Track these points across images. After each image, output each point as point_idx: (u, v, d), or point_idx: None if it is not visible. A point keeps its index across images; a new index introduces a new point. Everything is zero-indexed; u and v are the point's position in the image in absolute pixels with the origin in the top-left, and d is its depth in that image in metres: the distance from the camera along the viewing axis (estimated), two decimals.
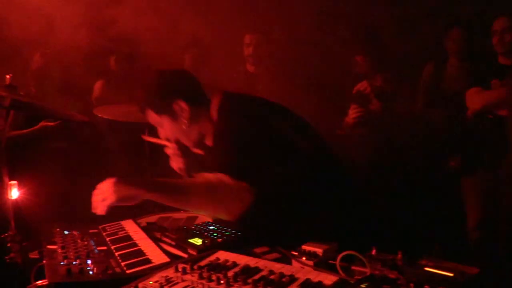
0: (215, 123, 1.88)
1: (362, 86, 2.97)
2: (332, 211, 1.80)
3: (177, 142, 2.00)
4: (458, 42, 3.39)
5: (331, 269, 1.33)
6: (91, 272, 1.40)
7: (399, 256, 1.36)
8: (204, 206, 1.74)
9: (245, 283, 1.21)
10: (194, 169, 2.02)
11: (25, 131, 3.12)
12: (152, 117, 1.96)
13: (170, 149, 2.04)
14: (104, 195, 1.63)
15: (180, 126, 1.92)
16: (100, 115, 3.15)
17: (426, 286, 1.18)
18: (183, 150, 2.02)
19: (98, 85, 3.62)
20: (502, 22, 2.94)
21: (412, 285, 1.19)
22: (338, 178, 1.91)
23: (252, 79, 3.56)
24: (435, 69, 3.51)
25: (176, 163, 2.06)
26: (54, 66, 3.42)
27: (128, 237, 1.76)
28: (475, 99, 2.99)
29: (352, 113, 2.97)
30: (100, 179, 3.50)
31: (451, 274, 1.24)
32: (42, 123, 3.15)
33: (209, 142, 1.94)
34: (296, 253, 1.48)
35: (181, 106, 1.89)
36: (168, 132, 1.98)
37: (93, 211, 1.66)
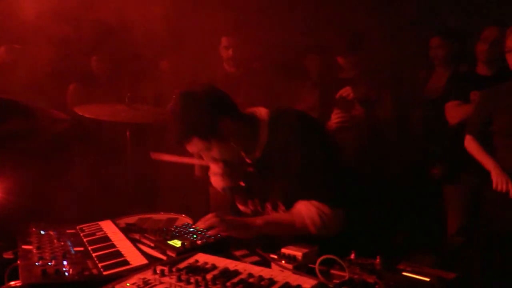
0: (275, 143, 1.78)
1: (345, 91, 2.99)
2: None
3: (224, 161, 1.85)
4: (438, 51, 3.46)
5: (311, 273, 1.34)
6: (67, 273, 1.37)
7: (378, 260, 1.37)
8: (310, 232, 1.71)
9: (224, 286, 1.20)
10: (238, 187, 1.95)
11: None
12: (197, 144, 1.77)
13: (216, 169, 1.88)
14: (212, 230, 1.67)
15: (229, 145, 1.78)
16: (81, 114, 3.11)
17: None
18: (229, 169, 1.88)
19: (71, 89, 3.54)
20: (494, 32, 2.93)
21: None
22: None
23: (232, 81, 3.54)
24: (425, 77, 3.58)
25: (221, 183, 1.90)
26: (22, 63, 3.29)
27: (106, 238, 1.73)
28: (452, 114, 3.04)
29: (335, 118, 2.98)
30: (77, 180, 3.43)
31: (427, 279, 1.25)
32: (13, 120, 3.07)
33: (254, 156, 1.85)
34: (275, 257, 1.48)
35: (227, 125, 1.75)
36: (217, 155, 1.81)
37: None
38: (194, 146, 1.77)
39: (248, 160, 1.87)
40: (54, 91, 3.86)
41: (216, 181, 1.90)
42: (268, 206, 1.88)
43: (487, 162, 2.57)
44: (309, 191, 1.72)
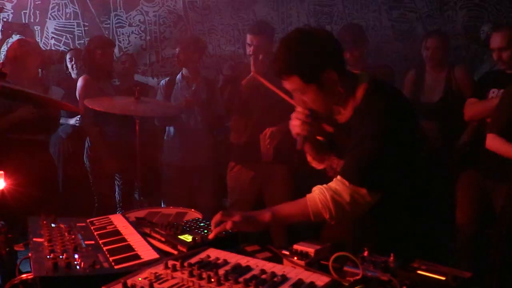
0: (361, 110, 1.71)
1: None
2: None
3: (311, 110, 1.78)
4: (432, 50, 3.44)
5: (323, 270, 1.32)
6: (78, 267, 1.37)
7: (392, 258, 1.35)
8: (325, 219, 1.65)
9: (236, 282, 1.19)
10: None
11: (9, 117, 3.04)
12: (295, 82, 1.70)
13: (300, 114, 1.79)
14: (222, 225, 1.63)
15: (324, 97, 1.71)
16: (91, 107, 3.11)
17: None
18: (313, 119, 1.80)
19: (82, 81, 3.53)
20: (498, 40, 2.83)
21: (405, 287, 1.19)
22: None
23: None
24: (416, 77, 3.52)
25: (298, 129, 1.81)
26: (34, 56, 3.28)
27: (116, 232, 1.72)
28: (468, 110, 3.00)
29: None
30: (86, 174, 3.44)
31: (443, 278, 1.23)
32: (24, 109, 3.06)
33: (342, 118, 1.80)
34: (287, 253, 1.47)
35: (331, 76, 1.68)
36: (309, 101, 1.74)
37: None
38: (291, 83, 1.71)
39: (339, 119, 1.81)
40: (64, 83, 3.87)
41: (295, 125, 1.81)
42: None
43: None
44: (344, 165, 1.67)
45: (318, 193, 1.64)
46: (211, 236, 1.63)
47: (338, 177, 1.65)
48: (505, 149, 2.50)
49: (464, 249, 3.00)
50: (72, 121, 3.70)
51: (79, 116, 3.61)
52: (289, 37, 1.73)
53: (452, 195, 3.10)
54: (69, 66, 3.98)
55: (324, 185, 1.66)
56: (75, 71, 3.93)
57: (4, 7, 4.21)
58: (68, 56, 4.00)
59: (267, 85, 2.14)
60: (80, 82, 3.51)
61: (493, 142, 2.56)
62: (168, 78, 3.76)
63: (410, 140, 1.75)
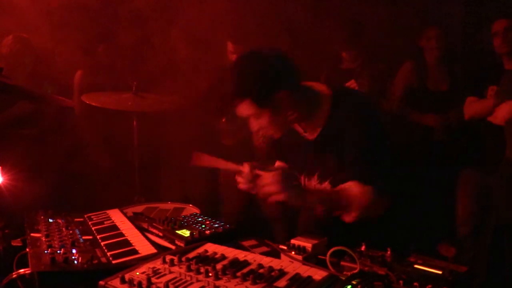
0: (333, 124, 1.72)
1: (351, 85, 2.96)
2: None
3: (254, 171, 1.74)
4: (433, 42, 3.40)
5: (320, 264, 1.33)
6: (76, 262, 1.37)
7: (389, 253, 1.36)
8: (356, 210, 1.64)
9: (234, 277, 1.19)
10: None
11: (6, 113, 3.03)
12: (249, 107, 1.68)
13: (244, 176, 1.73)
14: (271, 187, 1.53)
15: (279, 118, 1.70)
16: (88, 102, 3.09)
17: (415, 284, 1.19)
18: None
19: (77, 76, 3.53)
20: (504, 22, 2.87)
21: (401, 282, 1.19)
22: None
23: None
24: (415, 68, 3.50)
25: (244, 187, 1.75)
26: (28, 52, 3.27)
27: (114, 227, 1.73)
28: (468, 109, 3.02)
29: None
30: (83, 168, 3.42)
31: (440, 272, 1.24)
32: (21, 104, 3.05)
33: (311, 135, 1.79)
34: (284, 247, 1.47)
35: (284, 97, 1.65)
36: (264, 124, 1.72)
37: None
38: (245, 108, 1.68)
39: (307, 136, 1.80)
40: (61, 79, 3.85)
41: (240, 184, 1.78)
42: (326, 186, 1.81)
43: None
44: (363, 172, 1.65)
45: (355, 188, 1.62)
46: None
47: (356, 182, 1.63)
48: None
49: (464, 244, 3.02)
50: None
51: None
52: (239, 61, 1.71)
53: (453, 189, 3.11)
54: None
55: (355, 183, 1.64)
56: None
57: None
58: None
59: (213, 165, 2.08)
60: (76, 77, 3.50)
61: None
62: None
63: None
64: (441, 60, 3.45)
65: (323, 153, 1.76)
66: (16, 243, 1.71)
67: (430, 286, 1.17)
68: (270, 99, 1.64)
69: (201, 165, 1.86)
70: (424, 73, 3.46)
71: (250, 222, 3.21)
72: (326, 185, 1.80)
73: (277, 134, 1.79)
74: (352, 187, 1.63)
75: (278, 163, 1.98)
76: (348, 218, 1.65)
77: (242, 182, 1.72)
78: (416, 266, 1.28)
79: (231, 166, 1.79)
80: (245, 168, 1.72)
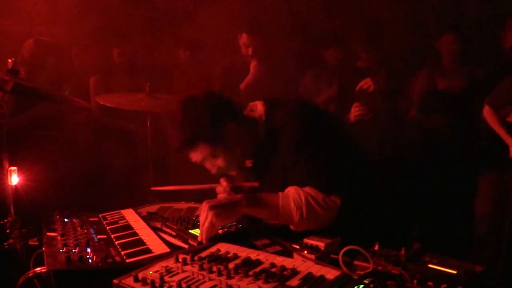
0: (274, 137, 1.75)
1: (366, 83, 2.92)
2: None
3: (228, 177, 1.85)
4: (451, 47, 3.38)
5: (333, 264, 1.32)
6: (90, 261, 1.39)
7: (402, 252, 1.34)
8: (294, 220, 1.65)
9: (246, 276, 1.19)
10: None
11: (26, 114, 3.07)
12: (204, 150, 1.73)
13: (223, 187, 1.85)
14: (205, 221, 1.57)
15: (234, 152, 1.76)
16: (102, 103, 3.13)
17: (429, 283, 1.17)
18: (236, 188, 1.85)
19: (92, 81, 3.57)
20: None
21: (415, 281, 1.18)
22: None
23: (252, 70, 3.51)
24: (431, 73, 3.47)
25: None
26: (49, 55, 3.32)
27: (128, 226, 1.74)
28: (488, 119, 2.94)
29: (354, 111, 2.92)
30: (98, 168, 3.46)
31: (454, 272, 1.22)
32: (40, 106, 3.09)
33: (252, 158, 1.83)
34: (297, 247, 1.47)
35: (232, 127, 1.72)
36: (222, 162, 1.77)
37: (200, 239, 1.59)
38: (199, 152, 1.73)
39: (248, 164, 1.85)
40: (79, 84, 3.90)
41: (220, 195, 1.86)
42: None
43: (506, 137, 2.68)
44: (304, 178, 1.67)
45: (293, 193, 1.65)
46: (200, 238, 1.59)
47: (307, 188, 1.65)
48: (493, 125, 2.80)
49: (482, 243, 2.97)
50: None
51: None
52: (177, 113, 1.74)
53: (469, 190, 3.06)
54: None
55: (299, 188, 1.66)
56: None
57: None
58: None
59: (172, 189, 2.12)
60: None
61: (488, 115, 2.82)
62: None
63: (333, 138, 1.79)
64: (458, 62, 3.41)
65: (262, 176, 1.82)
66: (33, 242, 1.74)
67: (444, 285, 1.15)
68: (220, 133, 1.70)
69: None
70: (438, 75, 3.43)
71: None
72: None
73: (233, 172, 1.86)
74: (290, 190, 1.66)
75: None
76: (293, 227, 1.67)
77: (221, 193, 1.83)
78: (430, 265, 1.26)
79: (201, 186, 1.94)
80: (223, 182, 1.83)
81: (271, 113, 1.80)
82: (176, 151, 1.78)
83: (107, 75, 3.58)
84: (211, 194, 1.91)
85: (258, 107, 1.85)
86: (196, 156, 1.75)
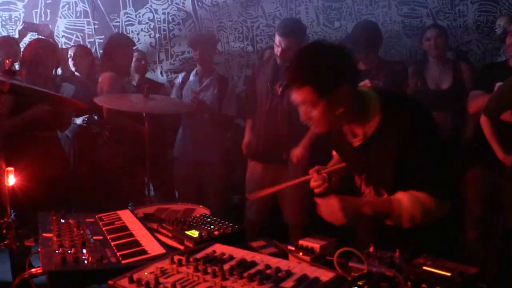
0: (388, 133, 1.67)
1: (365, 85, 2.93)
2: None
3: (323, 173, 1.85)
4: (433, 41, 3.47)
5: (328, 265, 1.32)
6: (86, 261, 1.39)
7: (397, 254, 1.35)
8: (403, 225, 1.65)
9: (241, 277, 1.20)
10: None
11: (23, 115, 3.06)
12: (307, 95, 1.63)
13: (317, 181, 1.86)
14: (331, 213, 1.61)
15: (332, 113, 1.65)
16: (101, 105, 3.12)
17: (423, 285, 1.17)
18: (329, 179, 1.86)
19: (106, 77, 3.50)
20: None
21: (409, 283, 1.18)
22: None
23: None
24: (419, 69, 3.53)
25: (320, 191, 1.86)
26: (51, 56, 3.31)
27: (124, 227, 1.74)
28: (473, 103, 3.02)
29: None
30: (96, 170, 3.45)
31: (448, 274, 1.22)
32: (38, 106, 3.07)
33: (357, 141, 1.76)
34: (292, 248, 1.47)
35: (345, 92, 1.62)
36: (316, 115, 1.66)
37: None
38: (303, 94, 1.64)
39: (355, 141, 1.77)
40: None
41: (315, 188, 1.87)
42: (370, 190, 1.80)
43: (498, 150, 2.67)
44: (420, 183, 1.63)
45: (406, 200, 1.63)
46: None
47: (422, 195, 1.63)
48: (489, 138, 2.74)
49: (474, 245, 2.98)
50: (79, 121, 3.70)
51: (86, 116, 3.58)
52: (307, 48, 1.70)
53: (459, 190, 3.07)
54: (70, 63, 3.96)
55: (413, 197, 1.63)
56: (74, 68, 3.91)
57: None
58: (69, 53, 3.97)
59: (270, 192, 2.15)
60: (105, 78, 3.46)
61: (484, 125, 2.76)
62: (184, 73, 3.78)
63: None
64: (441, 59, 3.48)
65: (368, 160, 1.74)
66: (29, 242, 1.74)
67: (438, 287, 1.16)
68: (332, 90, 1.61)
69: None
70: (425, 73, 3.49)
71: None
72: (370, 189, 1.80)
73: (324, 129, 1.75)
74: (404, 199, 1.64)
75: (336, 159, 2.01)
76: (404, 225, 1.66)
77: (316, 187, 1.86)
78: (424, 267, 1.26)
79: (294, 182, 1.96)
80: (313, 174, 1.88)
81: (389, 97, 1.73)
82: (284, 84, 1.78)
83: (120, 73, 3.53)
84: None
85: (369, 91, 1.77)
86: (297, 96, 1.67)
